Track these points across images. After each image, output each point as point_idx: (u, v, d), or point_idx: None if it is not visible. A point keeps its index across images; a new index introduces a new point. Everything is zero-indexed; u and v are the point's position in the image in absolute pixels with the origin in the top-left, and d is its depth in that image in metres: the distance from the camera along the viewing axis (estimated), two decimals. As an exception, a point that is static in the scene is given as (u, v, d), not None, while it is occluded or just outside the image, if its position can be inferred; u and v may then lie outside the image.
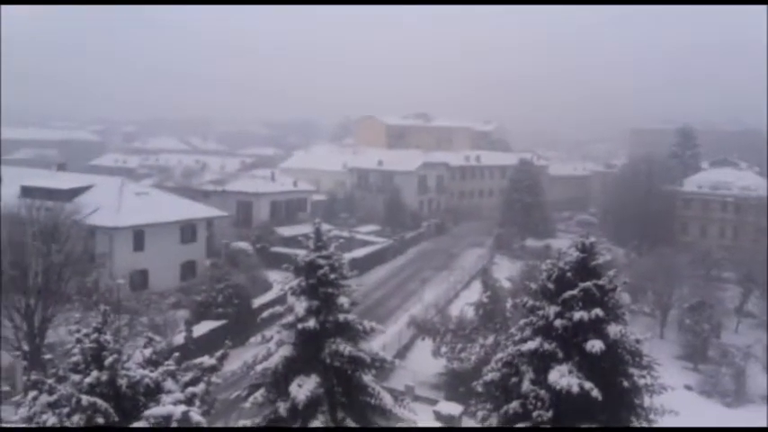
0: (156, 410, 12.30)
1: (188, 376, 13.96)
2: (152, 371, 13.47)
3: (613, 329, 17.14)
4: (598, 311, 17.11)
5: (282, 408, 19.51)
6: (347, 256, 59.12)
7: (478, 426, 19.14)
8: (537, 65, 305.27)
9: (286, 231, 60.51)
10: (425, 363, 37.70)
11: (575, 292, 17.51)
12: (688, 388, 39.41)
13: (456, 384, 33.82)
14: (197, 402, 13.00)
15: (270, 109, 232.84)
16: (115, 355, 12.55)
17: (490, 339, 33.63)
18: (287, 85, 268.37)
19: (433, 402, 32.92)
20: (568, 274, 17.96)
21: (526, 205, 76.05)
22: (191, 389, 13.22)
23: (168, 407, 12.39)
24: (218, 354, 14.14)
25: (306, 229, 63.32)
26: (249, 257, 51.53)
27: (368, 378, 20.97)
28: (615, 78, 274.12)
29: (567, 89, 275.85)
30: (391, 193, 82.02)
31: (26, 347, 31.82)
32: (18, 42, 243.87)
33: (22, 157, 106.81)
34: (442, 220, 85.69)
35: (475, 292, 43.89)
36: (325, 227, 70.60)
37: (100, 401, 12.03)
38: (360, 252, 62.28)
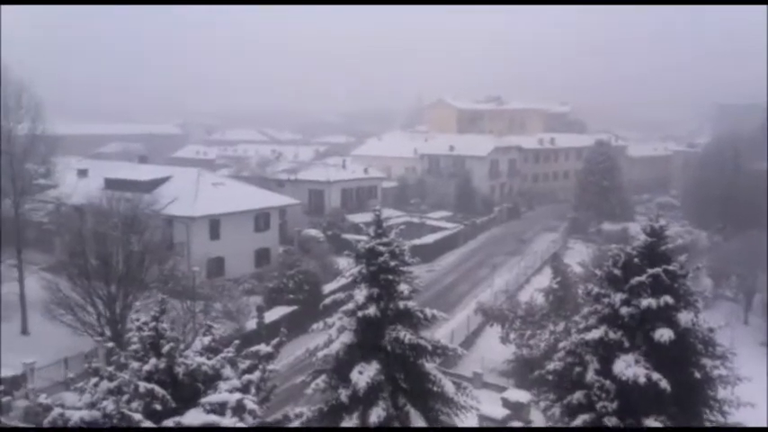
0: (211, 398, 12.60)
1: (246, 364, 14.18)
2: (209, 358, 13.73)
3: (684, 317, 16.31)
4: (667, 298, 16.33)
5: (344, 394, 19.65)
6: (417, 242, 59.86)
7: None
8: (614, 40, 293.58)
9: (357, 218, 60.89)
10: (494, 349, 37.24)
11: (642, 278, 16.76)
12: (775, 377, 37.24)
13: (525, 372, 33.16)
14: (252, 390, 13.16)
15: (345, 98, 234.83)
16: (172, 344, 12.88)
17: (560, 326, 32.76)
18: (362, 74, 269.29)
19: (502, 389, 32.48)
20: (636, 259, 17.20)
21: (602, 188, 73.65)
22: (247, 376, 13.42)
23: (224, 394, 12.67)
24: (275, 342, 14.28)
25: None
26: (320, 244, 52.23)
27: (430, 365, 20.82)
28: (699, 52, 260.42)
29: (647, 66, 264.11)
30: (462, 179, 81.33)
31: (108, 333, 33.38)
32: (114, 42, 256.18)
33: (109, 151, 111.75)
34: (514, 205, 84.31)
35: (546, 278, 42.89)
36: (394, 213, 71.17)
37: (158, 388, 12.40)
38: (430, 238, 62.15)
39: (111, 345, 13.66)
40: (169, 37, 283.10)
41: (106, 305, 34.03)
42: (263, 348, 14.12)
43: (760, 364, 38.91)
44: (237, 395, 12.53)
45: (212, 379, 13.51)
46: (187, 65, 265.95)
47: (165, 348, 12.86)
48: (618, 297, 16.93)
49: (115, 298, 34.46)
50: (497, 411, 29.74)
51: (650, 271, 16.64)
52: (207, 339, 14.25)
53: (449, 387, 20.34)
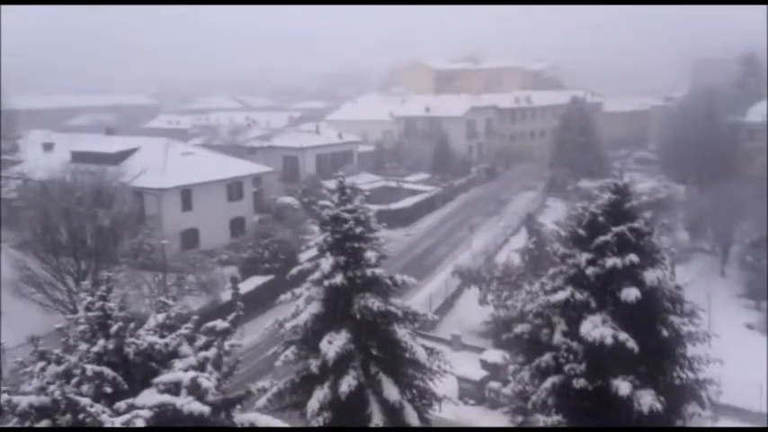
0: (164, 377, 12.21)
1: (202, 341, 13.77)
2: (164, 336, 13.30)
3: (650, 276, 16.07)
4: (633, 257, 16.07)
5: (314, 365, 19.42)
6: (395, 206, 59.45)
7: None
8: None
9: (332, 184, 60.36)
10: (473, 311, 37.31)
11: (607, 237, 16.48)
12: (749, 326, 37.79)
13: (503, 332, 33.21)
14: (209, 367, 12.77)
15: (321, 61, 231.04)
16: (121, 323, 12.41)
17: (536, 286, 32.60)
18: (336, 36, 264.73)
19: (480, 351, 32.58)
20: (600, 218, 16.88)
21: (579, 145, 73.43)
22: (203, 353, 13.02)
23: (177, 373, 12.27)
24: (231, 316, 13.85)
25: (353, 181, 63.33)
26: (296, 212, 51.70)
27: (402, 332, 20.57)
28: (678, 5, 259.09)
29: (623, 19, 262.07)
30: (439, 140, 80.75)
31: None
32: (76, 9, 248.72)
33: (79, 124, 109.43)
34: (492, 165, 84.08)
35: (524, 238, 42.90)
36: (371, 177, 70.46)
37: (107, 370, 11.98)
38: (407, 201, 61.87)
39: (58, 326, 13.10)
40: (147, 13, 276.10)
41: (76, 281, 33.44)
42: (220, 324, 13.62)
43: (737, 314, 39.46)
44: (192, 373, 12.11)
45: (168, 358, 13.08)
46: (164, 34, 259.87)
47: (114, 328, 12.39)
48: (583, 257, 16.67)
49: (85, 274, 33.90)
50: (475, 373, 29.88)
51: (615, 229, 16.35)
52: (161, 316, 13.76)
53: (420, 353, 20.12)
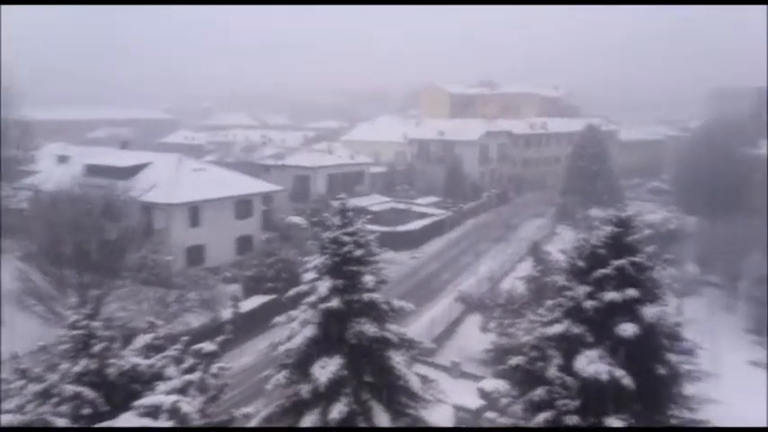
0: (145, 400, 12.02)
1: (189, 363, 13.60)
2: (149, 357, 13.15)
3: (649, 311, 15.72)
4: (632, 292, 15.76)
5: (305, 390, 19.12)
6: (402, 228, 59.21)
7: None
8: (613, 24, 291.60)
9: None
10: (475, 338, 36.87)
11: (607, 270, 16.17)
12: (754, 364, 36.98)
13: (503, 361, 32.74)
14: (192, 391, 12.58)
15: (340, 78, 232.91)
16: (105, 343, 12.27)
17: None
18: (360, 54, 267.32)
19: (479, 379, 32.09)
20: (601, 250, 16.59)
21: (591, 173, 72.98)
22: (187, 376, 12.83)
23: (158, 396, 12.08)
24: (220, 339, 13.67)
25: (363, 202, 63.39)
26: (303, 231, 51.59)
27: (396, 359, 20.26)
28: (697, 34, 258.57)
29: (643, 48, 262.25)
30: (451, 164, 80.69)
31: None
32: (102, 24, 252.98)
33: (97, 136, 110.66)
34: (503, 190, 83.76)
35: (531, 266, 42.49)
36: (381, 199, 70.37)
37: (87, 391, 11.82)
38: (416, 224, 61.63)
39: (41, 344, 12.98)
40: (170, 30, 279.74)
41: (79, 295, 33.44)
42: (207, 346, 13.45)
43: (741, 351, 38.68)
44: (173, 397, 11.93)
45: (152, 380, 12.91)
46: (179, 44, 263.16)
47: (97, 348, 12.25)
48: (582, 290, 16.36)
49: (88, 287, 33.89)
50: (472, 402, 29.39)
51: (615, 263, 16.06)
52: (148, 337, 13.61)
53: (414, 381, 19.79)
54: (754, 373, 35.65)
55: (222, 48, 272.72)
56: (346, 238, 20.10)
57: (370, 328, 19.24)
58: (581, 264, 16.89)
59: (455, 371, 33.65)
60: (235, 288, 41.15)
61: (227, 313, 35.75)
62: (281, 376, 19.69)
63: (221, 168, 56.36)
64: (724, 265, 47.37)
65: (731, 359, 35.05)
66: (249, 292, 39.89)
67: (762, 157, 71.51)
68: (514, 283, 38.16)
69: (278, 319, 21.10)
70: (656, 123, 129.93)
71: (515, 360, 17.59)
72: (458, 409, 28.49)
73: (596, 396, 15.49)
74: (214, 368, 13.53)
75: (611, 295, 15.91)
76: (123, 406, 12.21)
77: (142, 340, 13.70)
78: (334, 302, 19.39)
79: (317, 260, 20.65)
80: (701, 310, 39.75)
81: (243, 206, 50.77)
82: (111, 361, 12.20)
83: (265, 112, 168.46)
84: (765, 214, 55.41)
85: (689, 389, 16.24)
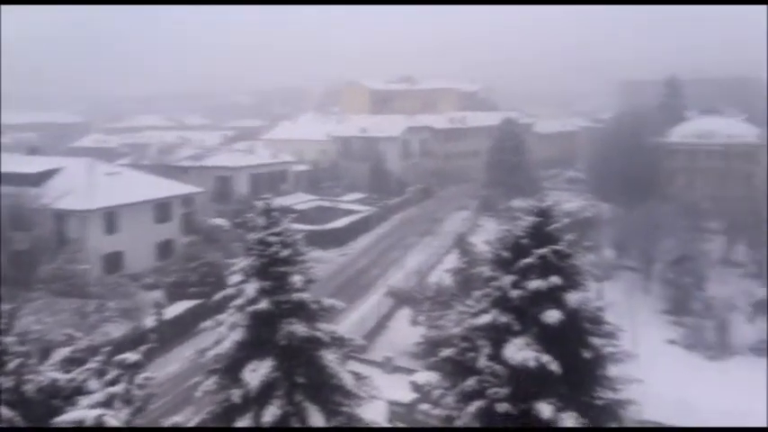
0: (67, 416, 11.45)
1: (112, 375, 13.03)
2: (69, 371, 12.53)
3: (572, 298, 16.23)
4: (555, 279, 16.20)
5: (236, 394, 18.73)
6: (329, 226, 58.99)
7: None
8: (524, 19, 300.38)
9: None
10: (406, 332, 37.15)
11: (530, 259, 16.56)
12: (671, 342, 38.95)
13: (435, 353, 33.15)
14: (117, 403, 12.07)
15: (259, 77, 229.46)
16: (20, 359, 11.61)
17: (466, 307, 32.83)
18: (276, 52, 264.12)
19: (412, 372, 32.39)
20: (524, 240, 16.98)
21: (511, 165, 74.97)
22: (110, 389, 12.30)
23: (80, 411, 11.53)
24: (144, 348, 13.18)
25: (288, 201, 62.71)
26: (226, 233, 50.59)
27: (328, 358, 20.14)
28: (606, 29, 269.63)
29: (556, 41, 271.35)
30: (375, 160, 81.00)
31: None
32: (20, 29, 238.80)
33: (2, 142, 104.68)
34: (427, 185, 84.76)
35: (457, 258, 43.19)
36: (306, 197, 69.73)
37: (4, 410, 11.15)
38: (343, 221, 61.53)
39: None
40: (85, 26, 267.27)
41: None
42: (131, 357, 12.94)
43: (660, 330, 40.65)
44: (97, 411, 11.41)
45: (72, 394, 12.30)
46: (97, 50, 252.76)
47: (12, 365, 11.57)
48: (507, 279, 16.71)
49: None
50: (406, 395, 29.64)
51: (538, 252, 16.47)
52: (67, 350, 12.97)
53: (347, 379, 19.73)
54: (671, 351, 37.54)
55: (134, 47, 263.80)
56: (272, 239, 19.79)
57: (300, 329, 19.03)
58: (505, 254, 17.22)
59: (388, 366, 33.82)
60: (157, 295, 39.88)
61: (150, 321, 34.59)
62: (211, 382, 19.22)
63: (137, 171, 54.46)
64: (638, 249, 49.55)
65: (649, 339, 36.83)
66: (173, 298, 38.75)
67: (669, 145, 75.42)
68: (442, 276, 38.75)
69: (205, 324, 20.61)
70: (570, 115, 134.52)
71: (446, 352, 17.80)
72: (392, 403, 28.64)
73: (525, 382, 15.86)
74: (139, 379, 13.01)
75: (535, 283, 16.29)
76: (43, 423, 11.60)
77: (60, 354, 13.05)
78: (263, 304, 19.07)
79: (243, 262, 20.26)
80: (619, 293, 41.55)
81: (162, 209, 49.25)
82: (28, 377, 11.56)
83: (181, 112, 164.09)
84: (674, 200, 58.46)
85: (612, 370, 16.83)
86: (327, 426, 19.23)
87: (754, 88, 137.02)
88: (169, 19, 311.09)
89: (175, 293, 39.01)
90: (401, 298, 38.60)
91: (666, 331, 40.47)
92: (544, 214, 17.25)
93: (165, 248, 48.23)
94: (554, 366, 15.53)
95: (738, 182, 68.67)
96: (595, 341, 16.47)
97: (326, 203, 67.66)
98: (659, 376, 27.68)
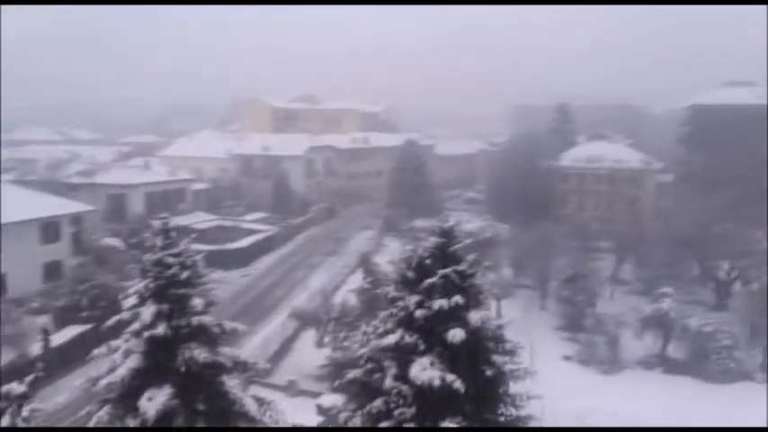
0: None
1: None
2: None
3: (474, 316, 16.57)
4: (458, 299, 16.49)
5: (132, 424, 17.79)
6: (231, 246, 57.60)
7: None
8: (422, 41, 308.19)
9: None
10: (310, 354, 36.68)
11: (434, 279, 16.79)
12: (567, 358, 40.45)
13: (340, 375, 32.86)
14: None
15: (155, 90, 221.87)
16: None
17: (372, 327, 32.82)
18: (173, 66, 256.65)
19: (317, 395, 31.92)
20: (428, 260, 17.21)
21: (413, 186, 76.31)
22: (-10, 425, 11.31)
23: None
24: (29, 378, 12.24)
25: (187, 220, 60.75)
26: (120, 254, 48.31)
27: (230, 383, 19.53)
28: (501, 54, 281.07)
29: (452, 66, 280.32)
30: (278, 179, 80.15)
31: None
32: None
33: None
34: (331, 204, 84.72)
35: (362, 278, 43.22)
36: (206, 216, 67.75)
37: None
38: (245, 241, 60.32)
39: None
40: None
41: None
42: (16, 388, 11.99)
43: (555, 346, 42.17)
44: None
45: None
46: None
47: None
48: (412, 300, 16.85)
49: None
50: (311, 419, 29.14)
51: (441, 272, 16.72)
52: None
53: (250, 404, 19.21)
54: (567, 367, 38.98)
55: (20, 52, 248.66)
56: (171, 260, 19.07)
57: (201, 354, 18.38)
58: (410, 274, 17.37)
59: (292, 389, 33.24)
60: (44, 320, 37.40)
61: (36, 348, 32.34)
62: (104, 413, 18.19)
63: (21, 188, 51.14)
64: (534, 268, 51.37)
65: (546, 355, 38.19)
66: (61, 324, 36.47)
67: (561, 168, 79.10)
68: (347, 296, 38.61)
69: (97, 351, 19.49)
70: (468, 138, 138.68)
71: (352, 373, 17.68)
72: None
73: (431, 401, 15.98)
74: (25, 411, 12.04)
75: (439, 303, 16.51)
76: None
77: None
78: (161, 329, 18.30)
79: (138, 284, 19.38)
80: (518, 310, 42.87)
81: (49, 229, 46.43)
82: None
83: (69, 125, 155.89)
84: (567, 220, 61.19)
85: (514, 387, 17.25)
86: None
87: (639, 115, 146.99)
88: (52, 23, 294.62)
89: (65, 318, 36.74)
90: (306, 319, 38.15)
91: (562, 348, 41.99)
92: (447, 235, 17.56)
93: (52, 270, 45.45)
94: (458, 385, 15.74)
95: (625, 205, 73.00)
96: (497, 359, 16.86)
97: (228, 223, 66.16)
98: (557, 391, 28.64)
